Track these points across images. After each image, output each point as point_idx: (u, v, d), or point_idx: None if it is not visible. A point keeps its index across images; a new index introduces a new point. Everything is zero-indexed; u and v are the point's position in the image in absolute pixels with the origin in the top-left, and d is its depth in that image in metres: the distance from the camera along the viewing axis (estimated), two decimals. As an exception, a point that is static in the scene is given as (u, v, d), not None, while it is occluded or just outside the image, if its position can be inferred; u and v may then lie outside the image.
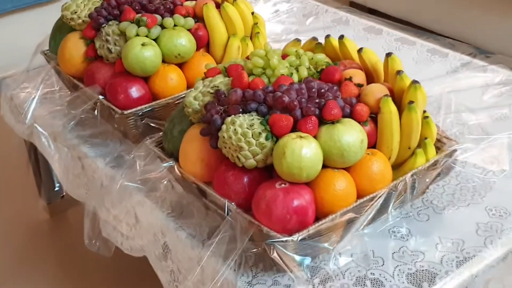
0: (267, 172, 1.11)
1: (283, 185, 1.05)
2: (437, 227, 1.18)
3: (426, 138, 1.16)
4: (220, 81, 1.19)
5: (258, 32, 1.52)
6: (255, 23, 1.53)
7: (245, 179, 1.10)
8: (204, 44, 1.50)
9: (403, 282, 1.07)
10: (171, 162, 1.19)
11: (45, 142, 1.55)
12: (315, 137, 1.07)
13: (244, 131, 1.07)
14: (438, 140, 1.21)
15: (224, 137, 1.08)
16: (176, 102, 1.41)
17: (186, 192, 1.26)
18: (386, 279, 1.08)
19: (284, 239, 1.00)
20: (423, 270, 1.09)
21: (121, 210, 1.34)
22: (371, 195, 1.09)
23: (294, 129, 1.08)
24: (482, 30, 2.37)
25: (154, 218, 1.26)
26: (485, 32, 2.35)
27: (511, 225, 1.16)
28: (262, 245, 1.03)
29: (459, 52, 1.71)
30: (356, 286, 1.07)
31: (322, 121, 1.09)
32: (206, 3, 1.49)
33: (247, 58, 1.28)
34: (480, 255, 1.11)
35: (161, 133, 1.28)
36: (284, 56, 1.24)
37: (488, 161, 1.26)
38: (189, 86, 1.45)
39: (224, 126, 1.09)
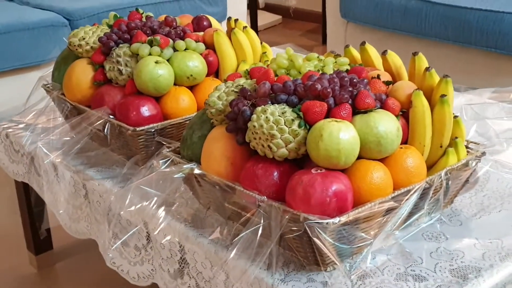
0: (297, 166, 1.06)
1: (319, 170, 1.00)
2: (471, 230, 1.13)
3: (456, 138, 1.13)
4: (244, 81, 1.16)
5: (267, 60, 1.51)
6: (264, 53, 1.53)
7: (276, 172, 1.04)
8: (214, 70, 1.48)
9: (447, 276, 1.00)
10: (192, 164, 1.14)
11: (46, 170, 1.48)
12: (349, 125, 1.03)
13: (276, 118, 1.03)
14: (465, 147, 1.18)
15: (254, 126, 1.04)
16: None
17: (203, 205, 1.20)
18: (428, 274, 1.01)
19: (325, 221, 0.94)
20: (465, 265, 1.03)
21: (131, 227, 1.26)
22: (409, 187, 1.04)
23: (327, 117, 1.04)
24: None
25: (171, 230, 1.18)
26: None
27: (548, 226, 1.12)
28: (301, 229, 0.96)
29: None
30: (397, 281, 1.00)
31: (354, 111, 1.06)
32: (217, 30, 1.49)
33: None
34: (522, 251, 1.06)
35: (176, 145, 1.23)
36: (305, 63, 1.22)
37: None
38: (199, 108, 1.42)
39: (254, 116, 1.05)
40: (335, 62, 1.20)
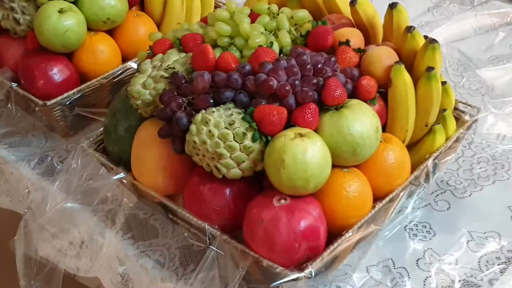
0: (255, 180, 0.84)
1: (283, 201, 0.79)
2: (462, 218, 0.95)
3: (444, 110, 0.92)
4: (175, 59, 0.90)
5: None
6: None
7: (228, 193, 0.83)
8: (137, 1, 1.19)
9: (438, 296, 0.85)
10: (121, 174, 0.91)
11: None
12: (316, 130, 0.81)
13: (222, 132, 0.79)
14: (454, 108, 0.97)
15: (195, 142, 0.80)
16: (114, 81, 1.11)
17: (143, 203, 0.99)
18: (416, 293, 0.85)
19: (295, 276, 0.75)
20: (459, 281, 0.86)
21: (60, 229, 1.05)
22: (391, 196, 0.84)
23: (287, 122, 0.81)
24: None
25: (105, 242, 0.98)
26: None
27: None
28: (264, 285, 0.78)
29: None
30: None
31: (322, 107, 0.82)
32: None
33: (204, 21, 0.98)
34: (525, 253, 0.90)
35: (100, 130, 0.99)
36: (253, 16, 0.94)
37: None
38: (125, 58, 1.15)
39: (193, 127, 0.80)
40: (292, 17, 0.93)
